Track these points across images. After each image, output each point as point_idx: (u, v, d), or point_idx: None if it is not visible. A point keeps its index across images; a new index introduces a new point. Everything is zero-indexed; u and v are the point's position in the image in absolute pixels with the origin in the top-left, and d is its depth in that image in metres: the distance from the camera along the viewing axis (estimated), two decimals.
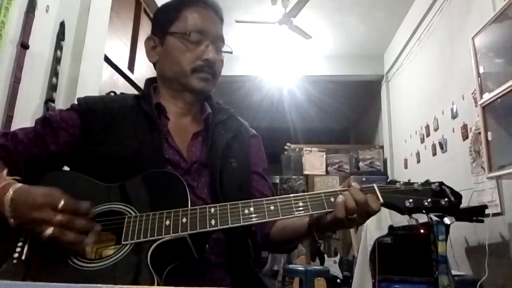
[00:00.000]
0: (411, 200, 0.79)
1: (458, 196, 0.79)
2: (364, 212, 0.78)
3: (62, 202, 0.71)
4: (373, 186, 0.81)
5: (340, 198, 0.78)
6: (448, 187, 0.80)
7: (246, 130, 1.11)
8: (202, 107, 1.05)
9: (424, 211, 0.78)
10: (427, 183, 0.81)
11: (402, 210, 0.79)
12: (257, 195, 1.00)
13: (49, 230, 0.69)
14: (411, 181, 0.81)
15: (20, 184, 0.76)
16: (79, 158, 0.92)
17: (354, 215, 0.78)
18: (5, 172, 0.81)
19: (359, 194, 0.78)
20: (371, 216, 0.80)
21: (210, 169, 0.94)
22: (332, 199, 0.79)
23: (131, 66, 2.85)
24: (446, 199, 0.78)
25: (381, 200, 0.79)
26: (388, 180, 0.83)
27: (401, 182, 0.81)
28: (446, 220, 0.77)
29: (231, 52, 1.04)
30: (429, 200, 0.78)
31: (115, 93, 1.06)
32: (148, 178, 0.84)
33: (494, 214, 2.41)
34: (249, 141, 1.09)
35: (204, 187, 0.93)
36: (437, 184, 0.80)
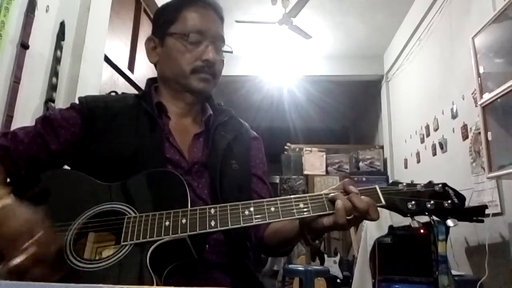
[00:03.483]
0: (413, 201, 0.77)
1: (461, 198, 0.77)
2: (362, 217, 0.77)
3: (26, 244, 0.67)
4: (375, 188, 0.80)
5: (340, 203, 0.76)
6: (452, 189, 0.78)
7: (247, 131, 1.10)
8: (203, 108, 1.05)
9: (426, 213, 0.77)
10: (430, 184, 0.79)
11: (404, 212, 0.77)
12: (256, 198, 0.99)
13: (3, 267, 0.65)
14: (414, 183, 0.80)
15: (8, 201, 0.74)
16: (79, 157, 0.92)
17: (351, 216, 0.76)
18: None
19: (361, 202, 0.76)
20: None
21: (210, 170, 0.94)
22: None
23: (131, 66, 2.85)
24: (449, 201, 0.76)
25: (383, 201, 0.78)
26: (391, 181, 0.81)
27: (404, 184, 0.79)
28: (449, 223, 0.75)
29: (231, 52, 1.03)
30: (431, 202, 0.77)
31: (116, 93, 1.06)
32: (149, 177, 0.83)
33: (494, 214, 2.41)
34: (250, 143, 1.08)
35: (205, 188, 0.93)
36: (440, 185, 0.78)
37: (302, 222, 0.84)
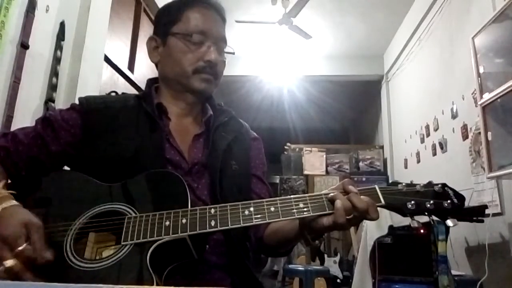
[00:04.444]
0: (413, 202, 0.77)
1: (461, 198, 0.77)
2: (362, 217, 0.77)
3: (21, 248, 0.68)
4: (374, 188, 0.80)
5: (339, 203, 0.76)
6: (451, 189, 0.78)
7: (247, 132, 1.10)
8: (204, 109, 1.05)
9: (426, 213, 0.77)
10: (429, 184, 0.79)
11: (404, 212, 0.78)
12: (255, 198, 0.99)
13: None
14: (413, 183, 0.80)
15: (11, 203, 0.74)
16: (79, 158, 0.91)
17: (351, 216, 0.76)
18: (1, 184, 0.80)
19: (361, 202, 0.76)
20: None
21: (210, 171, 0.94)
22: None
23: (131, 66, 2.85)
24: (448, 201, 0.77)
25: (383, 201, 0.78)
26: (390, 181, 0.82)
27: (403, 184, 0.79)
28: (449, 223, 0.75)
29: (233, 53, 1.03)
30: (431, 202, 0.77)
31: (116, 93, 1.06)
32: (149, 178, 0.83)
33: (494, 214, 2.41)
34: (250, 144, 1.08)
35: (204, 189, 0.93)
36: (439, 185, 0.78)
37: (302, 222, 0.84)
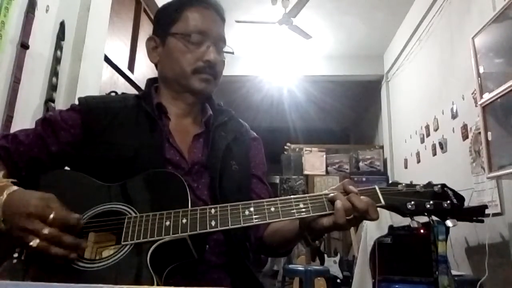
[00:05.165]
0: (412, 202, 0.77)
1: (460, 199, 0.77)
2: (362, 217, 0.77)
3: (52, 216, 0.70)
4: (374, 188, 0.80)
5: (339, 204, 0.76)
6: (451, 189, 0.78)
7: (247, 132, 1.10)
8: (203, 109, 1.05)
9: (426, 214, 0.77)
10: (429, 185, 0.79)
11: (403, 213, 0.78)
12: (255, 198, 0.99)
13: (35, 243, 0.68)
14: (413, 183, 0.80)
15: (15, 188, 0.75)
16: (79, 158, 0.92)
17: (351, 217, 0.76)
18: (1, 174, 0.81)
19: (361, 202, 0.76)
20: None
21: (210, 171, 0.94)
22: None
23: (131, 66, 2.85)
24: (448, 202, 0.77)
25: (383, 202, 0.78)
26: (390, 181, 0.82)
27: (403, 184, 0.80)
28: (449, 223, 0.76)
29: (232, 53, 1.03)
30: (431, 202, 0.77)
31: (116, 93, 1.06)
32: (149, 178, 0.83)
33: (494, 214, 2.42)
34: (250, 144, 1.08)
35: (204, 189, 0.92)
36: (439, 186, 0.78)
37: (302, 222, 0.84)
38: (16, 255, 0.72)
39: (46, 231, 0.69)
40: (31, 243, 0.68)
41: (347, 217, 0.76)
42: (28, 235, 0.69)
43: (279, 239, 0.97)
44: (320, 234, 0.84)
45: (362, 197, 0.77)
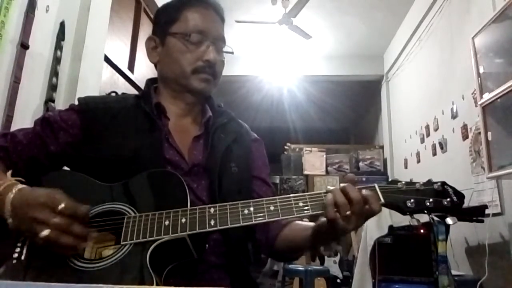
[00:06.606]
0: (412, 200, 0.77)
1: (460, 196, 0.77)
2: (362, 212, 0.75)
3: (62, 205, 0.71)
4: (374, 186, 0.80)
5: (329, 196, 0.75)
6: (451, 187, 0.78)
7: (247, 133, 1.10)
8: (203, 110, 1.05)
9: (425, 212, 0.77)
10: (429, 182, 0.79)
11: (403, 211, 0.77)
12: None
13: (46, 232, 0.69)
14: (413, 181, 0.80)
15: (23, 185, 0.76)
16: (79, 158, 0.92)
17: (348, 213, 0.74)
18: (9, 173, 0.81)
19: (354, 192, 0.75)
20: (370, 217, 0.77)
21: (209, 173, 0.94)
22: None
23: (131, 66, 2.85)
24: (448, 199, 0.76)
25: (382, 200, 0.77)
26: (390, 180, 0.81)
27: (403, 182, 0.79)
28: (449, 221, 0.75)
29: (232, 53, 1.03)
30: (431, 200, 0.76)
31: (116, 93, 1.06)
32: (149, 177, 0.83)
33: (494, 214, 2.41)
34: (251, 145, 1.08)
35: (203, 190, 0.92)
36: (439, 184, 0.78)
37: (313, 231, 0.84)
38: (16, 255, 0.72)
39: (56, 220, 0.70)
40: (41, 234, 0.69)
41: (345, 214, 0.75)
42: (37, 226, 0.70)
43: (293, 249, 0.97)
44: (327, 239, 0.84)
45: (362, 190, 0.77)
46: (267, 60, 5.42)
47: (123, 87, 2.71)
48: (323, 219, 0.79)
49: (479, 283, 2.29)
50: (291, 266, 3.84)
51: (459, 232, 2.82)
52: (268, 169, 1.09)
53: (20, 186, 0.76)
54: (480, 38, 2.35)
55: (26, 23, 1.70)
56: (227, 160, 0.96)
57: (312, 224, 0.88)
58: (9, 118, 1.60)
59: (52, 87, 1.86)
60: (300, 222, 0.97)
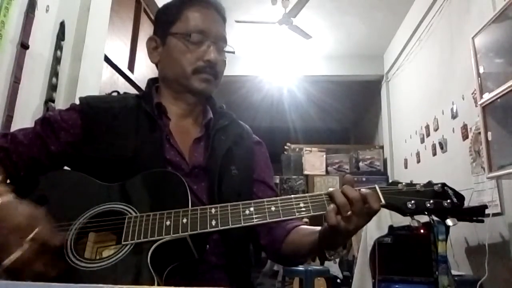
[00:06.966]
0: (413, 201, 0.77)
1: (460, 198, 0.77)
2: (362, 211, 0.75)
3: (34, 232, 0.69)
4: (375, 187, 0.80)
5: (332, 206, 0.75)
6: (451, 189, 0.78)
7: (249, 136, 1.09)
8: (204, 111, 1.04)
9: (426, 213, 0.77)
10: (429, 184, 0.79)
11: (404, 212, 0.77)
12: None
13: (13, 257, 0.66)
14: (413, 182, 0.80)
15: (7, 198, 0.74)
16: (79, 158, 0.91)
17: (349, 213, 0.74)
18: None
19: (353, 192, 0.75)
20: (371, 217, 0.78)
21: (209, 175, 0.93)
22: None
23: (131, 66, 2.85)
24: (448, 201, 0.76)
25: (383, 201, 0.78)
26: (390, 181, 0.81)
27: (403, 183, 0.79)
28: (449, 222, 0.75)
29: (233, 52, 1.03)
30: (431, 201, 0.77)
31: (118, 92, 1.06)
32: (149, 177, 0.83)
33: (494, 214, 2.41)
34: (253, 148, 1.07)
35: (203, 192, 0.92)
36: (439, 185, 0.78)
37: (320, 236, 0.84)
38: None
39: (16, 254, 0.67)
40: (6, 260, 0.66)
41: (346, 214, 0.75)
42: (7, 249, 0.67)
43: (299, 254, 0.96)
44: (332, 243, 0.83)
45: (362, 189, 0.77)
46: (267, 60, 5.42)
47: (123, 87, 2.71)
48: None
49: (479, 283, 2.30)
50: None
51: (459, 232, 2.83)
52: (271, 172, 1.09)
53: (5, 198, 0.73)
54: (480, 38, 2.35)
55: (26, 23, 1.70)
56: (227, 163, 0.96)
57: (318, 228, 0.87)
58: (9, 118, 1.60)
59: (52, 87, 1.86)
60: (306, 226, 0.97)
